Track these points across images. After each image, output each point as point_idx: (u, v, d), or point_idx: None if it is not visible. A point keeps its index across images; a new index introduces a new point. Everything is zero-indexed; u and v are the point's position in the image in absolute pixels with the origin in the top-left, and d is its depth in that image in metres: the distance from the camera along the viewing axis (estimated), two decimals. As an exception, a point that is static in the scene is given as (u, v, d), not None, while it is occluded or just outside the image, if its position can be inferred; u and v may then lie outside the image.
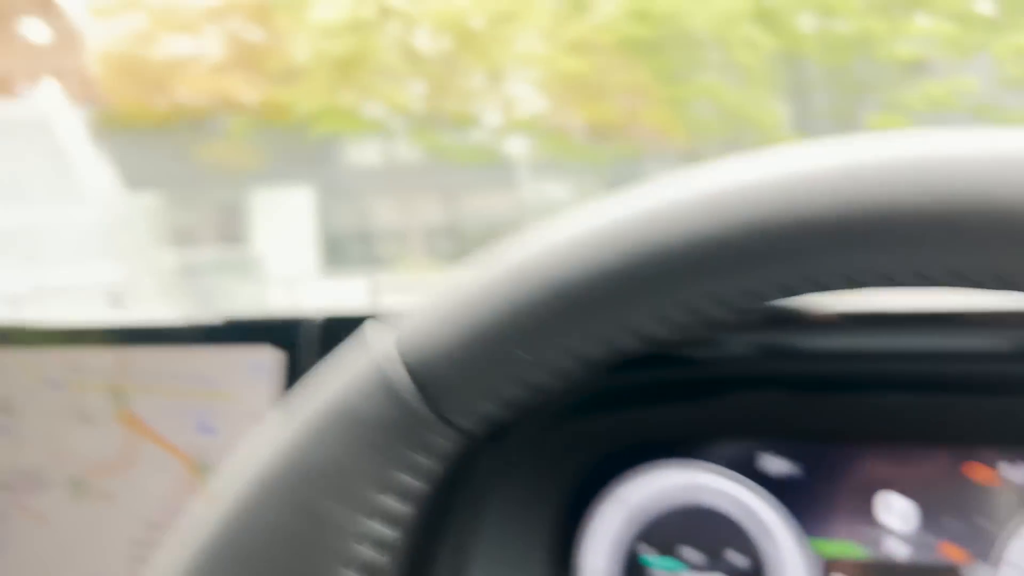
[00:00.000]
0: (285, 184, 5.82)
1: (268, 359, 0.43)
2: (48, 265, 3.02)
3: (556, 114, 4.96)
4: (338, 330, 0.41)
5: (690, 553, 0.37)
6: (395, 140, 5.83)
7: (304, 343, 0.42)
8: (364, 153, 6.02)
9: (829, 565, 0.35)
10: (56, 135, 3.37)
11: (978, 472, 0.34)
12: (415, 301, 0.24)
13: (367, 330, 0.25)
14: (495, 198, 5.36)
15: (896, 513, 0.35)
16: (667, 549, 0.37)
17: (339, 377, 0.24)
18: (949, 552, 0.34)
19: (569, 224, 0.23)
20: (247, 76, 5.58)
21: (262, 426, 0.25)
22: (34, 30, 3.34)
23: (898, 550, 0.34)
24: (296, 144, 6.30)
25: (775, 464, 0.36)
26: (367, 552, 0.23)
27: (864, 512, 0.35)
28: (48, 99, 3.33)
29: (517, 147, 5.09)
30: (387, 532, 0.23)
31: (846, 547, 0.35)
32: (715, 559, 0.36)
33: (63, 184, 3.39)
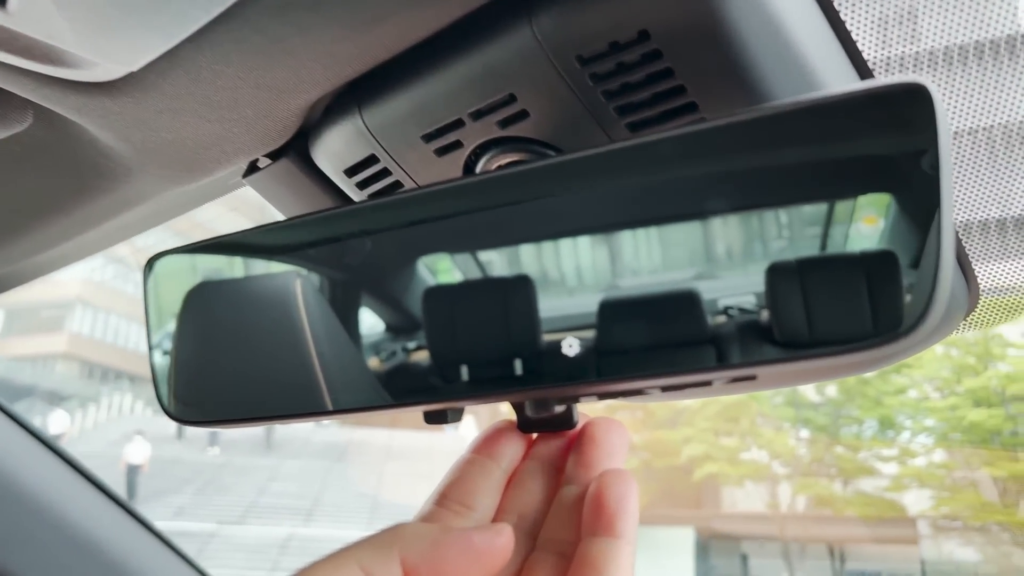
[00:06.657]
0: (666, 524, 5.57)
1: None
2: None
3: (960, 467, 4.86)
4: None
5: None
6: (779, 486, 5.65)
7: None
8: (748, 497, 5.83)
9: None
10: None
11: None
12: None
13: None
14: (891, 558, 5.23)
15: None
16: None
17: None
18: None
19: None
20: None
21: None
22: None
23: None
24: (679, 484, 5.97)
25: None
26: None
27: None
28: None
29: (917, 500, 4.99)
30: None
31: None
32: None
33: None
